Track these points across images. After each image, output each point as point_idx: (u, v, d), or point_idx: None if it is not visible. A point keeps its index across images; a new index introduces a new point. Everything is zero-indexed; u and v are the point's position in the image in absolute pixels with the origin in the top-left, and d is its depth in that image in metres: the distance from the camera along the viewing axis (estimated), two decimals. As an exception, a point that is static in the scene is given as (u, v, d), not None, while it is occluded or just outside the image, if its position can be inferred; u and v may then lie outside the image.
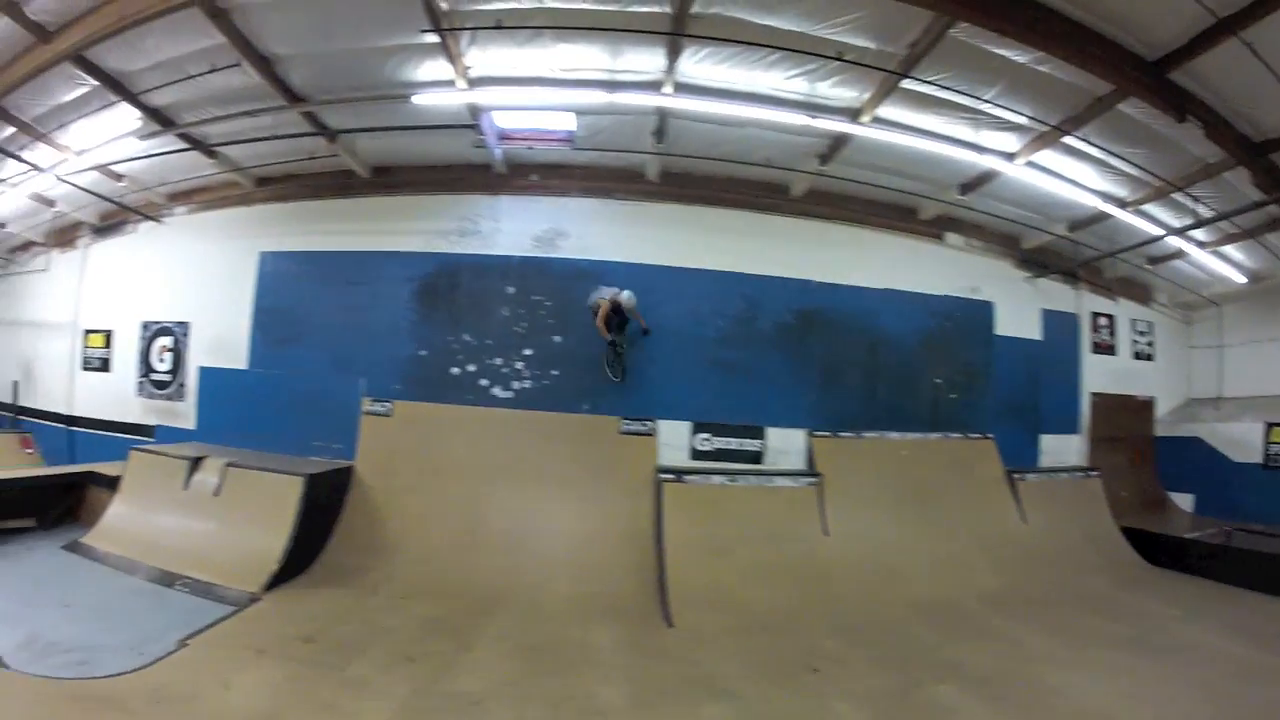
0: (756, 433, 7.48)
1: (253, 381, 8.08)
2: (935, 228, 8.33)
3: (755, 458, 7.46)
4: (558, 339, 7.37)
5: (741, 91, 6.09)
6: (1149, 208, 7.61)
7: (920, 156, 6.87)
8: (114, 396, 9.02)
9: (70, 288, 9.84)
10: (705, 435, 7.43)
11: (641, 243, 7.55)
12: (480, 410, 7.39)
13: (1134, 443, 9.68)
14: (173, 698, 3.86)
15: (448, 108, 6.51)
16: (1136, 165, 6.76)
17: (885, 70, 5.59)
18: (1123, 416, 9.59)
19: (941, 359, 8.14)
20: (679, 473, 6.99)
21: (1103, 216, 7.87)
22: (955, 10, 4.89)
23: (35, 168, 7.75)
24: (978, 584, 6.47)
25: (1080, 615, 5.66)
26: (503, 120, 6.85)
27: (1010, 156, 6.87)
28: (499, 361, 7.46)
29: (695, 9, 5.09)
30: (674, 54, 5.59)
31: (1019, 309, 8.65)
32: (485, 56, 5.86)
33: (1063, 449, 8.89)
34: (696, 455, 7.41)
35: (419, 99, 6.21)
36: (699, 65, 5.82)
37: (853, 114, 6.35)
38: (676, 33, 5.31)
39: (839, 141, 6.89)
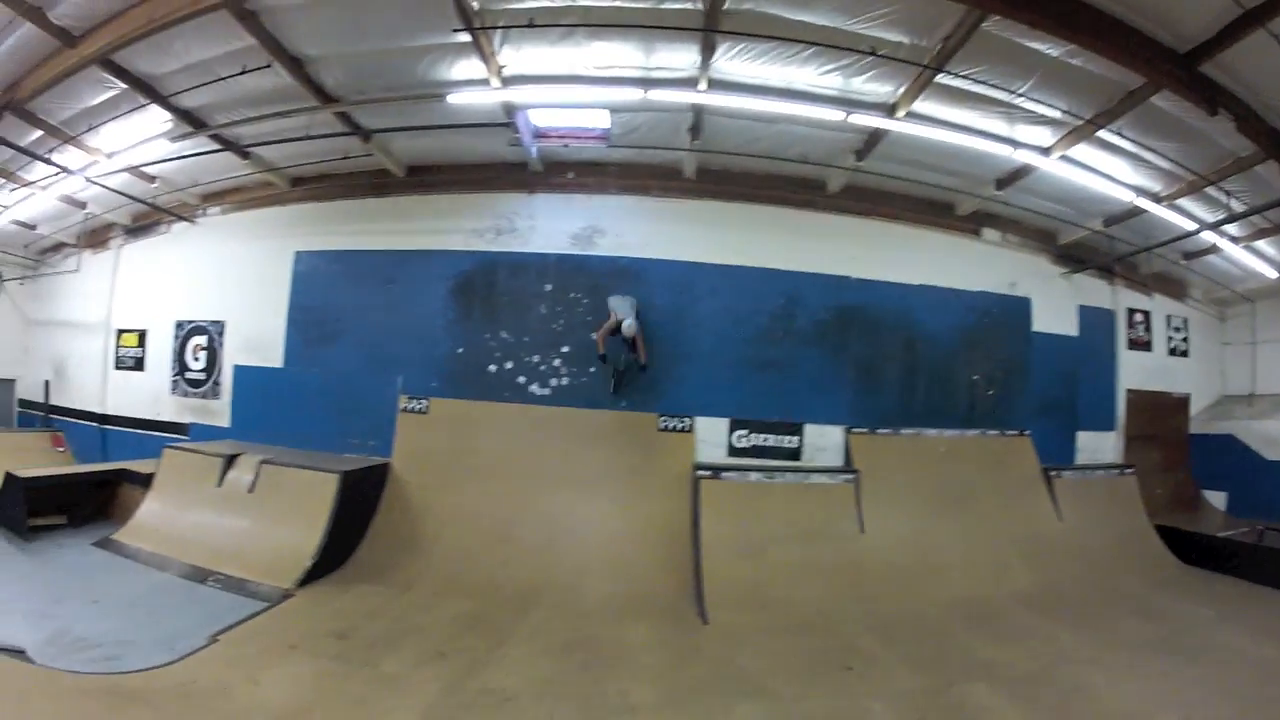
0: (794, 429, 7.44)
1: (288, 380, 8.12)
2: (972, 223, 8.28)
3: (793, 454, 7.43)
4: (595, 336, 7.32)
5: (776, 87, 6.05)
6: (1183, 202, 7.51)
7: (956, 151, 6.81)
8: (148, 395, 9.09)
9: (103, 288, 9.93)
10: (742, 431, 7.40)
11: (679, 240, 7.53)
12: (517, 407, 7.40)
13: (1168, 440, 9.58)
14: (201, 693, 3.85)
15: (482, 106, 6.50)
16: (1169, 159, 6.71)
17: (919, 65, 5.55)
18: (1158, 414, 9.49)
19: (979, 355, 8.08)
20: (716, 469, 6.96)
21: (1137, 211, 7.78)
22: (986, 3, 4.85)
23: (65, 170, 7.80)
24: (1013, 582, 6.43)
25: (1114, 615, 5.60)
26: (538, 118, 6.87)
27: (1045, 151, 6.80)
28: (536, 359, 7.46)
29: (728, 5, 5.06)
30: (707, 50, 5.56)
31: (1055, 305, 8.57)
32: (518, 55, 5.86)
33: (1099, 446, 8.80)
34: (734, 452, 7.39)
35: (453, 98, 6.19)
36: (733, 62, 5.79)
37: (888, 109, 6.30)
38: (709, 29, 5.29)
39: (875, 137, 6.84)
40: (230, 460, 7.11)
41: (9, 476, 6.99)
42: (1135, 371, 9.26)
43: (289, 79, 6.18)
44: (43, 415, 10.39)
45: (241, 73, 6.11)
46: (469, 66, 5.99)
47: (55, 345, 10.53)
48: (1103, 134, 6.32)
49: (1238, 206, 7.04)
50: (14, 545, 6.47)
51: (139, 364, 9.32)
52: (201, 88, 6.46)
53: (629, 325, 6.77)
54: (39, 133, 7.33)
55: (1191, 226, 7.60)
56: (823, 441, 7.47)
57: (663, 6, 5.19)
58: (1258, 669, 4.50)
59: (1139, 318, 9.40)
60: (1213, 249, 8.72)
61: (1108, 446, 8.91)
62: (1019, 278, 8.38)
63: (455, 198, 7.89)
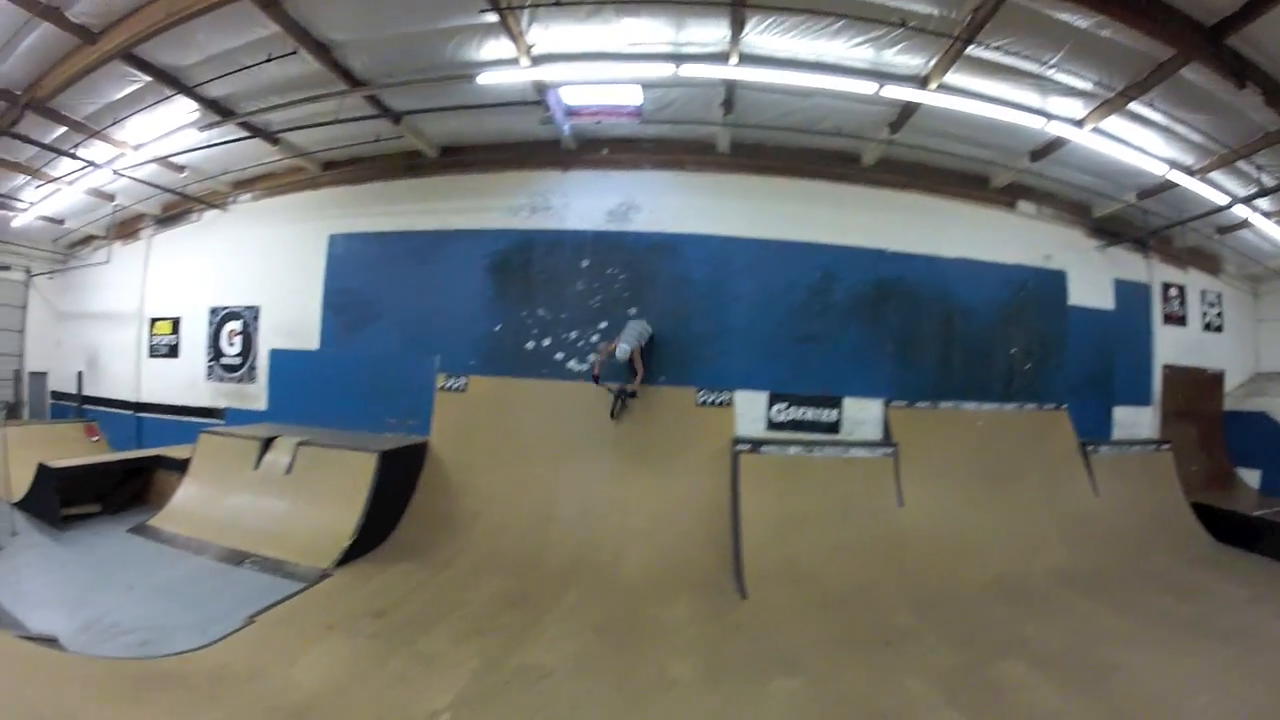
0: (833, 402, 7.41)
1: (325, 362, 8.17)
2: (1007, 196, 8.21)
3: (832, 428, 7.40)
4: (633, 311, 7.34)
5: (807, 61, 6.02)
6: (1215, 176, 7.44)
7: (989, 124, 6.74)
8: (183, 381, 9.17)
9: (134, 278, 10.02)
10: (781, 405, 7.37)
11: (715, 214, 7.51)
12: (555, 384, 7.41)
13: (1203, 417, 9.49)
14: (235, 674, 3.84)
15: (513, 86, 6.49)
16: (1201, 132, 6.66)
17: (949, 36, 5.51)
18: (1193, 390, 9.39)
19: (1016, 329, 8.01)
20: (755, 443, 6.94)
21: (1170, 185, 7.70)
22: (1013, -28, 4.82)
23: (92, 164, 7.85)
24: (1049, 558, 6.40)
25: (1149, 593, 5.55)
26: (569, 96, 6.85)
27: (1078, 123, 6.74)
28: (574, 335, 7.46)
29: (756, -21, 5.05)
30: (737, 25, 5.54)
31: (1091, 278, 8.49)
32: (547, 33, 5.84)
33: (1135, 421, 8.71)
34: (773, 425, 7.36)
35: (483, 78, 6.18)
36: (763, 35, 5.75)
37: (920, 81, 6.26)
38: (738, 3, 5.28)
39: (908, 110, 6.80)
40: (267, 443, 7.15)
41: (41, 468, 7.02)
42: (1171, 346, 9.16)
43: (316, 65, 6.19)
44: (76, 406, 10.49)
45: (267, 60, 6.11)
46: (498, 46, 5.98)
47: (87, 337, 10.62)
48: (1134, 106, 6.27)
49: (1268, 181, 7.00)
50: (48, 535, 6.47)
51: (173, 351, 9.40)
52: (227, 77, 6.48)
53: (622, 350, 6.68)
54: (62, 129, 7.38)
55: (1223, 200, 7.54)
56: (862, 415, 7.43)
57: (691, -19, 5.17)
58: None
59: (1174, 292, 9.31)
60: (1245, 224, 8.62)
61: (1144, 422, 8.83)
62: (1054, 251, 8.31)
63: (489, 177, 7.90)
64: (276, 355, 8.51)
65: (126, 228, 10.33)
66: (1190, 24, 5.12)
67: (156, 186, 8.73)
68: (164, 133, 7.51)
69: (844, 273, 7.53)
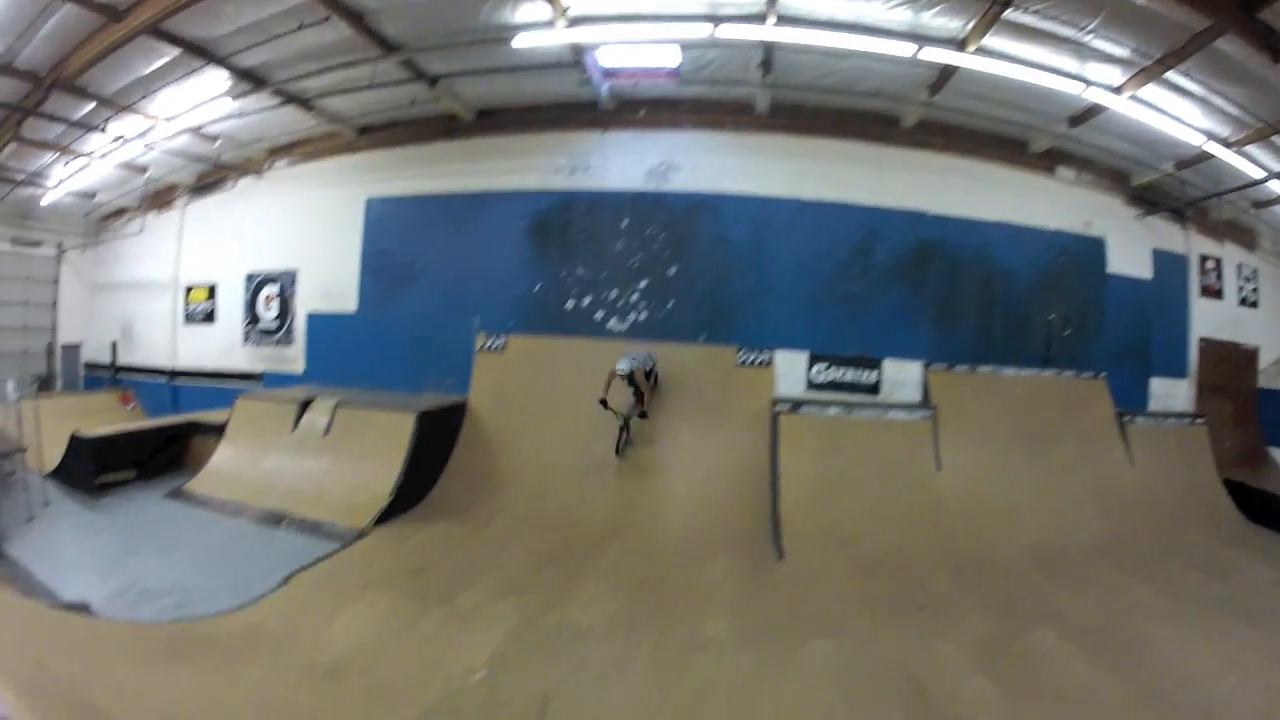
0: (873, 364, 7.40)
1: (363, 324, 8.22)
2: (1046, 161, 8.15)
3: (871, 389, 7.39)
4: (673, 270, 7.36)
5: (845, 22, 6.01)
6: (1251, 149, 7.38)
7: (1028, 89, 6.72)
8: (220, 347, 9.25)
9: (169, 247, 10.12)
10: (821, 365, 7.37)
11: (754, 174, 7.51)
12: (595, 342, 7.41)
13: (1237, 393, 9.38)
14: (270, 634, 3.84)
15: (549, 48, 6.50)
16: (1237, 104, 6.59)
17: None
18: (1229, 365, 9.28)
19: (1055, 295, 7.96)
20: (795, 403, 6.94)
21: (1206, 156, 7.65)
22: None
23: (123, 138, 7.91)
24: (1085, 527, 6.34)
25: (1181, 569, 5.46)
26: (606, 58, 6.86)
27: (1116, 90, 6.70)
28: (614, 294, 7.49)
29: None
30: None
31: (1130, 247, 8.42)
32: None
33: (1171, 393, 8.63)
34: (812, 386, 7.36)
35: (519, 41, 6.19)
36: None
37: (958, 44, 6.24)
38: None
39: (947, 72, 6.77)
40: (305, 405, 7.18)
41: (74, 437, 7.00)
42: (1207, 320, 9.06)
43: (349, 31, 6.19)
44: (110, 375, 10.59)
45: (299, 28, 6.12)
46: (534, 9, 5.98)
47: (121, 307, 10.73)
48: (1171, 76, 6.22)
49: (1301, 157, 6.96)
50: (81, 504, 6.43)
51: (209, 317, 9.48)
52: (259, 46, 6.49)
53: (622, 366, 6.50)
54: (91, 104, 7.39)
55: (1260, 174, 7.47)
56: (901, 377, 7.41)
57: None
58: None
59: (1210, 264, 9.21)
60: (1280, 199, 8.57)
61: (1180, 394, 8.74)
62: (1093, 217, 8.24)
63: (527, 138, 7.93)
64: (314, 319, 8.58)
65: (160, 198, 10.42)
66: (1225, -6, 5.05)
67: (190, 156, 8.78)
68: (196, 103, 7.56)
69: (885, 234, 7.51)
